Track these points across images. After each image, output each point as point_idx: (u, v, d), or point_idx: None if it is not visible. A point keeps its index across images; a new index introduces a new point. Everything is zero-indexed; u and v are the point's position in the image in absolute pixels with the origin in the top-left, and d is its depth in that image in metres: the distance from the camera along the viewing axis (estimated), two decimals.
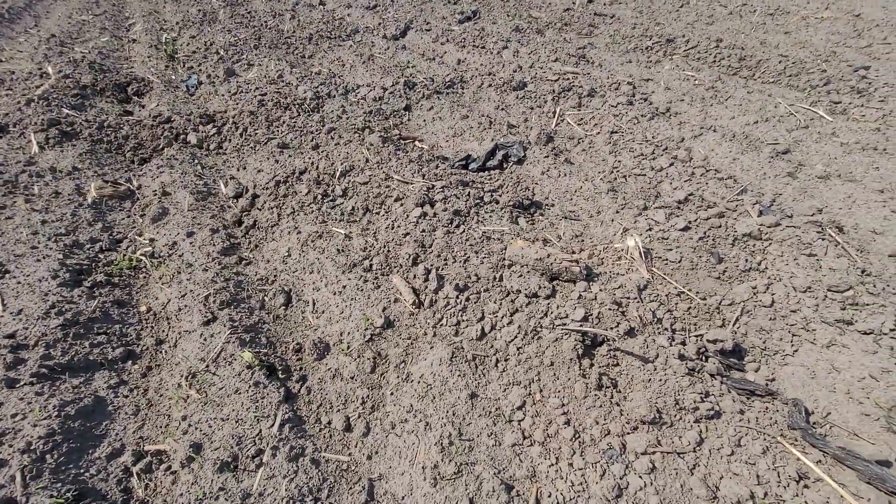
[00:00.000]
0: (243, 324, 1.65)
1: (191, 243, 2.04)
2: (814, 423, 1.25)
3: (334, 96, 3.35)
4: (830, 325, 1.44)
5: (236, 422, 1.31)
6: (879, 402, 1.25)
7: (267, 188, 2.33)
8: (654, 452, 1.09)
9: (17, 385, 1.39)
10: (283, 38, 4.95)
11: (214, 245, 2.01)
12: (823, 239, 1.75)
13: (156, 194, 2.44)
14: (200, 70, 4.20)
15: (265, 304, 1.77)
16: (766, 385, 1.35)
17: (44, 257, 1.89)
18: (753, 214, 1.87)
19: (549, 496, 1.07)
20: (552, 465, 1.11)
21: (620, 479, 1.05)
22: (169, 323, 1.71)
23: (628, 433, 1.13)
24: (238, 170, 2.68)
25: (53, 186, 2.40)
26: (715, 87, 3.51)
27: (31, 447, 1.21)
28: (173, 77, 4.17)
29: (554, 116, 3.10)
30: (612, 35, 5.03)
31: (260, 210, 2.24)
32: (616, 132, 2.77)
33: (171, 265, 1.94)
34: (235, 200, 2.39)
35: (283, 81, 3.65)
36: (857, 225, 2.00)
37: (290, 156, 2.62)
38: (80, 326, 1.62)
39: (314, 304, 1.73)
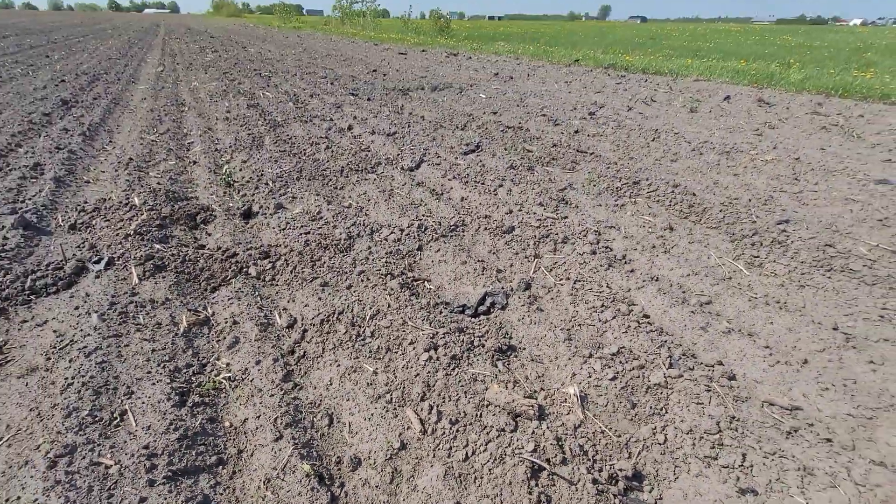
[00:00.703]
0: (300, 440, 2.35)
1: (258, 370, 2.80)
2: None
3: (363, 236, 4.28)
4: (701, 459, 2.14)
5: None
6: None
7: (313, 324, 3.13)
8: None
9: (155, 484, 2.08)
10: (320, 170, 6.06)
11: (276, 374, 2.77)
12: (709, 391, 2.49)
13: (227, 322, 3.25)
14: (253, 200, 5.22)
15: (314, 424, 2.49)
16: (655, 503, 2.02)
17: (157, 381, 2.65)
18: (664, 367, 2.62)
19: None
20: None
21: None
22: (246, 437, 2.42)
23: None
24: (288, 302, 3.51)
25: (154, 317, 3.22)
26: (664, 237, 4.42)
27: None
28: (231, 205, 5.17)
29: (533, 261, 3.97)
30: (590, 174, 6.09)
31: (308, 343, 3.02)
32: (579, 281, 3.61)
33: (245, 389, 2.69)
34: (288, 330, 3.18)
35: (321, 219, 4.62)
36: (745, 374, 2.75)
37: (329, 294, 3.45)
38: (188, 440, 2.33)
39: (350, 426, 2.44)
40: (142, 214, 4.52)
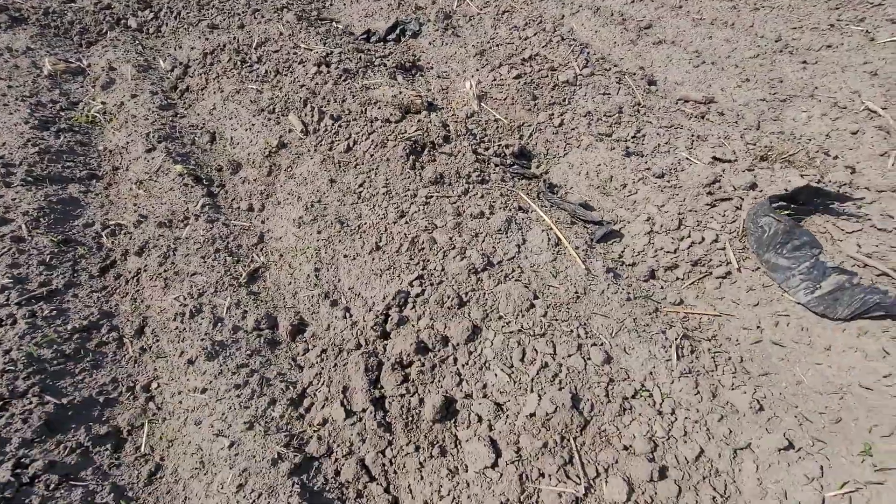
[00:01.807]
0: (177, 152, 2.19)
1: (135, 102, 2.51)
2: (558, 192, 1.88)
3: None
4: (595, 136, 2.03)
5: (171, 204, 1.90)
6: (601, 178, 1.87)
7: (197, 60, 2.75)
8: (433, 196, 1.70)
9: (12, 185, 1.95)
10: None
11: (154, 103, 2.49)
12: (619, 83, 2.29)
13: (104, 69, 2.85)
14: None
15: (195, 142, 2.31)
16: (540, 175, 1.97)
17: (15, 111, 2.36)
18: (578, 69, 2.39)
19: (369, 223, 1.70)
20: (372, 209, 1.73)
21: (406, 210, 1.67)
22: (121, 155, 2.25)
23: (422, 188, 1.74)
24: (175, 49, 3.07)
25: (12, 62, 2.79)
26: None
27: (28, 213, 1.80)
28: None
29: None
30: None
31: (192, 77, 2.69)
32: (507, 11, 3.16)
33: (121, 118, 2.44)
34: (172, 73, 2.81)
35: None
36: (666, 79, 2.54)
37: (218, 34, 2.99)
38: (52, 155, 2.15)
39: (232, 139, 2.27)
40: None
